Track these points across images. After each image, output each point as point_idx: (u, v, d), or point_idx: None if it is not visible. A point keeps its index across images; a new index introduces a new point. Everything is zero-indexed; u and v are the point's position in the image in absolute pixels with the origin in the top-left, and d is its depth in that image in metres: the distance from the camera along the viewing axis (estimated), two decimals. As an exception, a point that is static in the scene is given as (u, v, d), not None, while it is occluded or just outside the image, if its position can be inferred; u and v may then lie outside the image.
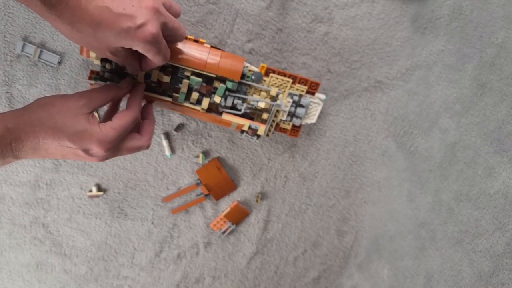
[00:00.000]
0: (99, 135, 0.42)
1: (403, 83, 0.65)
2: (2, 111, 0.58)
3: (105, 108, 0.55)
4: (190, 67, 0.50)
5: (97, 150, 0.42)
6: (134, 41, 0.39)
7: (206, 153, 0.66)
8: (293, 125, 0.58)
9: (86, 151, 0.42)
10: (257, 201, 0.69)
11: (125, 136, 0.46)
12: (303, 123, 0.58)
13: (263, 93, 0.55)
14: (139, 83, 0.50)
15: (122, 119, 0.44)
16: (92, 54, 0.50)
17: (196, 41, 0.51)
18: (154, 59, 0.43)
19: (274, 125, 0.57)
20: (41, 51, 0.56)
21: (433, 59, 0.64)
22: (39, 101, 0.43)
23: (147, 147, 0.48)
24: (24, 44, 0.55)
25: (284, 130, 0.58)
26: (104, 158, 0.44)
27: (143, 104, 0.52)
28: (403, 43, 0.63)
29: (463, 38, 0.63)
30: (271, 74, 0.54)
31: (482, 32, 0.63)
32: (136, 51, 0.42)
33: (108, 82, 0.52)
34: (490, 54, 0.63)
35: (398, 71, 0.64)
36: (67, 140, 0.41)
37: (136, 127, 0.49)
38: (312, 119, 0.58)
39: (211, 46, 0.52)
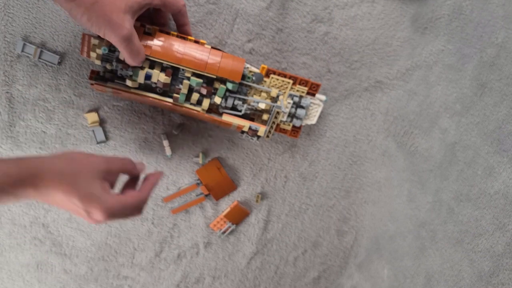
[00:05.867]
0: (106, 204, 0.44)
1: (403, 83, 0.65)
2: (2, 112, 0.58)
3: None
4: (190, 68, 0.50)
5: (98, 215, 0.44)
6: None
7: (206, 153, 0.66)
8: (293, 126, 0.58)
9: (88, 212, 0.43)
10: (257, 201, 0.69)
11: None
12: (303, 124, 0.58)
13: (263, 94, 0.55)
14: (157, 172, 0.53)
15: (131, 199, 0.47)
16: (93, 54, 0.50)
17: (196, 41, 0.51)
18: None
19: (274, 126, 0.57)
20: (41, 51, 0.56)
21: (433, 59, 0.64)
22: (67, 154, 0.45)
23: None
24: (24, 44, 0.55)
25: (284, 131, 0.58)
26: (99, 223, 0.47)
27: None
28: (403, 43, 0.63)
29: (463, 38, 0.63)
30: (271, 75, 0.54)
31: (482, 32, 0.63)
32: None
33: (109, 82, 0.52)
34: (490, 54, 0.63)
35: (398, 71, 0.64)
36: (77, 199, 0.43)
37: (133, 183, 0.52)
38: (312, 120, 0.58)
39: (212, 47, 0.52)
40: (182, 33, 0.53)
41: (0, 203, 0.41)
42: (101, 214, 0.44)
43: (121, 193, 0.48)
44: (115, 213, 0.45)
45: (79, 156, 0.46)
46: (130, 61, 0.48)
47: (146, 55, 0.49)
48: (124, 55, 0.47)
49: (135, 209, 0.48)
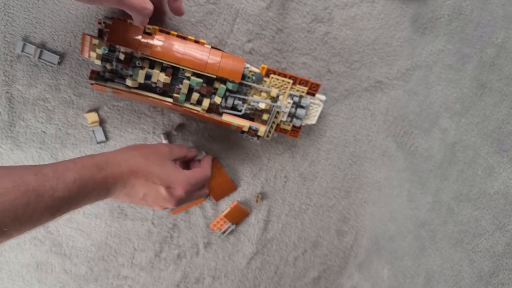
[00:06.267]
0: (183, 176, 0.48)
1: (403, 83, 0.65)
2: (2, 111, 0.58)
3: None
4: (190, 68, 0.50)
5: (178, 189, 0.47)
6: None
7: (206, 153, 0.66)
8: (293, 126, 0.58)
9: (168, 188, 0.46)
10: (257, 201, 0.69)
11: None
12: (303, 124, 0.58)
13: (263, 94, 0.55)
14: (208, 154, 0.62)
15: (201, 173, 0.52)
16: (93, 54, 0.50)
17: (196, 41, 0.51)
18: None
19: (274, 126, 0.57)
20: (41, 51, 0.56)
21: (433, 59, 0.64)
22: (131, 145, 0.50)
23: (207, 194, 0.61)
24: (24, 44, 0.55)
25: (284, 131, 0.58)
26: (178, 202, 0.49)
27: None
28: (403, 43, 0.63)
29: (463, 38, 0.63)
30: (271, 75, 0.54)
31: (482, 32, 0.63)
32: None
33: (109, 82, 0.52)
34: (490, 54, 0.63)
35: (398, 71, 0.64)
36: (155, 176, 0.45)
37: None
38: (312, 120, 0.58)
39: (212, 47, 0.52)
40: (174, 9, 0.50)
41: (88, 200, 0.42)
42: (181, 188, 0.47)
43: None
44: (192, 185, 0.49)
45: (142, 145, 0.50)
46: (139, 18, 0.44)
47: (146, 55, 0.49)
48: (130, 13, 0.43)
49: (203, 185, 0.53)
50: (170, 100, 0.52)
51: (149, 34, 0.50)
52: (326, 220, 0.72)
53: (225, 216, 0.68)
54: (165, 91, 0.53)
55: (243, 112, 0.54)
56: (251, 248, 0.72)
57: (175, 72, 0.52)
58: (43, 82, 0.58)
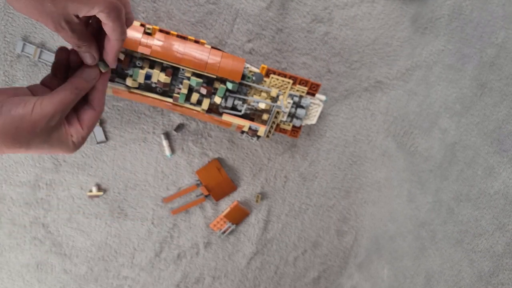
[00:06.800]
0: (71, 148, 0.38)
1: (403, 83, 0.65)
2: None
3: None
4: (190, 68, 0.50)
5: (67, 155, 0.39)
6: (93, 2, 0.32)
7: (206, 154, 0.66)
8: (293, 126, 0.58)
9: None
10: (257, 201, 0.69)
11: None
12: (303, 124, 0.58)
13: (263, 94, 0.55)
14: (102, 73, 0.40)
15: (90, 124, 0.39)
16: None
17: (196, 41, 0.51)
18: (115, 27, 0.35)
19: (274, 126, 0.57)
20: (41, 51, 0.56)
21: (433, 59, 0.64)
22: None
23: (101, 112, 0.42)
24: (24, 44, 0.55)
25: (284, 131, 0.58)
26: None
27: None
28: (403, 43, 0.63)
29: (463, 38, 0.63)
30: (271, 75, 0.54)
31: (482, 32, 0.63)
32: (93, 30, 0.38)
33: (109, 82, 0.51)
34: (490, 54, 0.63)
35: (398, 71, 0.64)
36: (36, 152, 0.36)
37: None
38: (312, 120, 0.58)
39: (212, 47, 0.52)
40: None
41: None
42: (69, 153, 0.38)
43: None
44: (82, 144, 0.39)
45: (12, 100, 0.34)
46: (119, 42, 0.37)
47: (147, 54, 0.49)
48: (114, 34, 0.36)
49: None
50: (170, 100, 0.52)
51: (149, 34, 0.50)
52: (326, 220, 0.72)
53: (225, 216, 0.68)
54: (165, 91, 0.53)
55: (243, 112, 0.54)
56: (251, 248, 0.72)
57: (175, 72, 0.52)
58: (43, 82, 0.58)
